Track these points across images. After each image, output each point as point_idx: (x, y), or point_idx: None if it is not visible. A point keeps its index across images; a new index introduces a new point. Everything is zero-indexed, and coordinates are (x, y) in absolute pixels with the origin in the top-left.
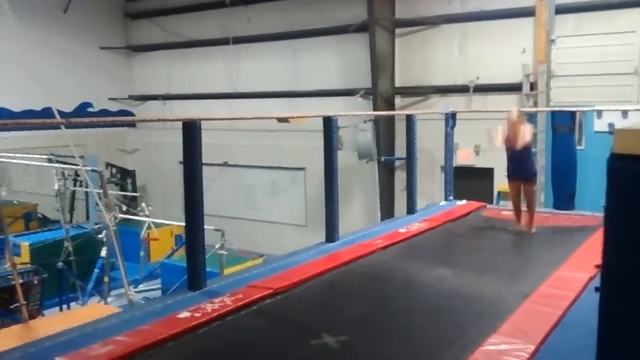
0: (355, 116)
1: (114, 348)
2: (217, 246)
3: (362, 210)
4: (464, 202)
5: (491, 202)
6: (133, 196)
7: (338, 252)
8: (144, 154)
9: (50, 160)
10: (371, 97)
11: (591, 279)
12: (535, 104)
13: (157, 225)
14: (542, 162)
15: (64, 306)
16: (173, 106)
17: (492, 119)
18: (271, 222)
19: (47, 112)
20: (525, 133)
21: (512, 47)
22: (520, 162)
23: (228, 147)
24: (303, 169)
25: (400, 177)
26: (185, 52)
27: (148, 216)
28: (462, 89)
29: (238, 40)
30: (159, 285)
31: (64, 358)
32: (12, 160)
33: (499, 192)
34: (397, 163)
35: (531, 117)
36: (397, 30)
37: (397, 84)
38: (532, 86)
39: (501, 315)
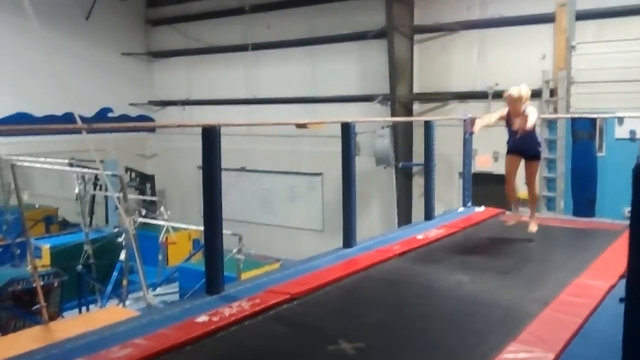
0: (373, 122)
1: (133, 351)
2: (234, 250)
3: (380, 216)
4: (482, 208)
5: (510, 209)
6: (152, 200)
7: (356, 257)
8: (163, 158)
9: (71, 165)
10: (389, 102)
11: (612, 287)
12: (555, 111)
13: (175, 229)
14: (561, 169)
15: (83, 308)
16: (192, 112)
17: None
18: (288, 227)
19: (68, 117)
20: (530, 117)
21: (531, 53)
22: (522, 139)
23: (246, 152)
24: (320, 174)
25: (417, 183)
26: (205, 58)
27: (167, 220)
28: (481, 95)
29: (257, 47)
30: (177, 289)
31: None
32: (34, 165)
33: (519, 199)
34: (414, 169)
35: (550, 124)
36: (416, 37)
37: (416, 89)
38: (552, 92)
39: (520, 323)
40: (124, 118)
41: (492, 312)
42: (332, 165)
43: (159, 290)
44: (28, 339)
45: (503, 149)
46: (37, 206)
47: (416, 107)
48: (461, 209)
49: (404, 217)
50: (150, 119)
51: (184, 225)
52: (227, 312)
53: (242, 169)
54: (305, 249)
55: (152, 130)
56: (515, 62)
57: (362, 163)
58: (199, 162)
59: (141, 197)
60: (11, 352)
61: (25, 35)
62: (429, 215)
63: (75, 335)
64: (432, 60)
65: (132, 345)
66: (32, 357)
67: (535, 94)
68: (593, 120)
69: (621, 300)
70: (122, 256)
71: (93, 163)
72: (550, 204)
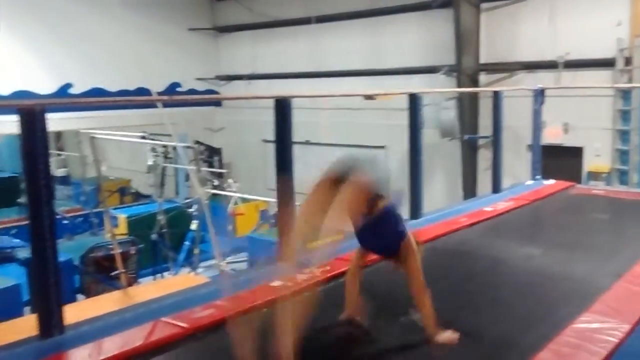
0: (439, 93)
1: (215, 312)
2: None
3: (444, 189)
4: (551, 181)
5: (580, 182)
6: (220, 173)
7: (423, 228)
8: (229, 132)
9: (144, 138)
10: (455, 74)
11: None
12: (630, 80)
13: (243, 200)
14: (635, 141)
15: (157, 275)
16: (257, 85)
17: (582, 96)
18: None
19: (141, 92)
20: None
21: (605, 20)
22: (371, 229)
23: (310, 125)
24: (384, 147)
25: (483, 156)
26: (270, 32)
27: (235, 192)
28: (550, 65)
29: (321, 19)
30: (245, 258)
31: (170, 319)
32: (111, 138)
33: (589, 172)
34: (480, 142)
35: (625, 94)
36: (483, 5)
37: (482, 60)
38: (627, 61)
39: (593, 295)
40: (191, 92)
41: (564, 284)
42: (396, 138)
43: (228, 259)
44: (110, 301)
45: (575, 119)
46: (112, 178)
47: (482, 78)
48: (530, 182)
49: (469, 191)
50: (216, 94)
51: (251, 197)
52: (299, 278)
53: (307, 142)
54: None
55: (218, 104)
56: (588, 30)
57: (427, 136)
58: (264, 135)
59: (209, 169)
60: (95, 313)
61: (99, 12)
62: (496, 188)
63: (160, 296)
64: (500, 30)
65: (214, 306)
66: (123, 314)
67: (609, 63)
68: None
69: None
70: (194, 226)
71: (163, 137)
72: (624, 177)
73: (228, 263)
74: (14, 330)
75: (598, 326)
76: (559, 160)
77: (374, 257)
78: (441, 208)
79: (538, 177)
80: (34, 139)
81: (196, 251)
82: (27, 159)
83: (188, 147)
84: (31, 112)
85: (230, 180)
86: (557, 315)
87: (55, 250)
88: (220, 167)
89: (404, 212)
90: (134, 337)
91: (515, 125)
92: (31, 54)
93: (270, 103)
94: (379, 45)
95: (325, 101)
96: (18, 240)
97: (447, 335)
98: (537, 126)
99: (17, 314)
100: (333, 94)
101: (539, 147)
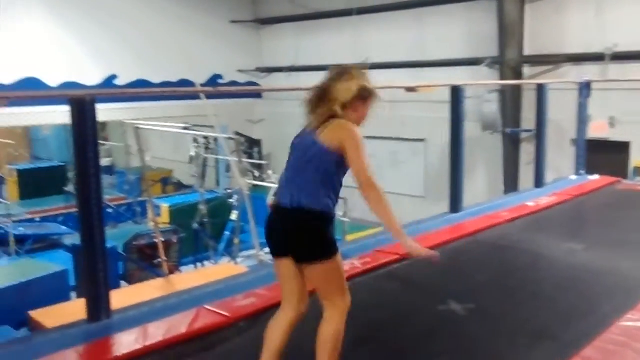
0: (481, 86)
1: (256, 300)
2: (340, 214)
3: (484, 183)
4: (596, 176)
5: (626, 178)
6: (259, 164)
7: (463, 222)
8: (269, 124)
9: (186, 129)
10: (497, 66)
11: None
12: None
13: None
14: None
15: (198, 264)
16: (298, 78)
17: (630, 89)
18: (390, 192)
19: (183, 83)
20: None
21: None
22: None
23: None
24: (424, 140)
25: (526, 150)
26: (312, 24)
27: (274, 183)
28: (597, 57)
29: (363, 11)
30: None
31: (212, 306)
32: (154, 128)
33: (635, 168)
34: (523, 135)
35: None
36: None
37: (526, 52)
38: None
39: (637, 292)
40: (233, 85)
41: (607, 280)
42: (436, 131)
43: (267, 249)
44: (152, 288)
45: (621, 113)
46: (154, 168)
47: (526, 70)
48: (574, 176)
49: (511, 185)
50: (257, 85)
51: None
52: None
53: None
54: (406, 214)
55: (259, 96)
56: (637, 21)
57: (468, 128)
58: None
59: (250, 160)
60: (139, 299)
61: (144, 4)
62: (539, 182)
63: (202, 284)
64: (545, 21)
65: (255, 294)
66: (168, 300)
67: None
68: None
69: None
70: (234, 216)
71: (204, 128)
72: None
73: (266, 253)
74: (63, 314)
75: None
76: (604, 155)
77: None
78: (482, 202)
79: (582, 172)
80: (85, 128)
81: (236, 241)
82: (78, 148)
83: (230, 138)
84: (82, 103)
85: (270, 172)
86: (600, 312)
87: (103, 237)
88: (260, 158)
89: (446, 206)
90: (179, 324)
91: (559, 119)
92: (78, 46)
93: None
94: (421, 37)
95: None
96: (65, 228)
97: (426, 251)
98: (582, 120)
99: (65, 298)
100: (375, 86)
101: (583, 142)
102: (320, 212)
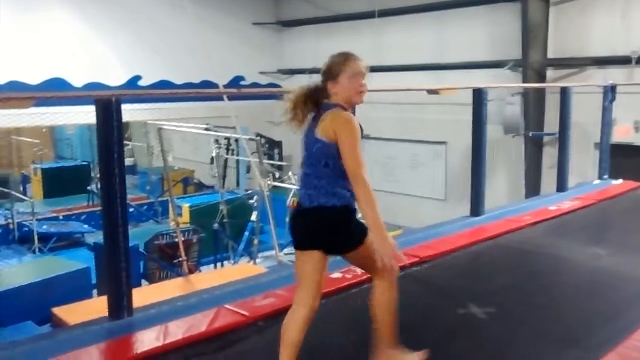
0: (504, 88)
1: (275, 300)
2: (359, 216)
3: (506, 186)
4: (620, 181)
5: None
6: (280, 165)
7: (484, 225)
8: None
9: (207, 130)
10: (520, 69)
11: None
12: None
13: None
14: None
15: (218, 264)
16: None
17: None
18: (410, 195)
19: (205, 84)
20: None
21: None
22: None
23: (370, 120)
24: (444, 142)
25: (548, 154)
26: (333, 26)
27: (294, 184)
28: (623, 60)
29: (384, 13)
30: None
31: (232, 306)
32: (176, 129)
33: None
34: (545, 139)
35: None
36: None
37: (550, 55)
38: None
39: None
40: (254, 86)
41: (632, 286)
42: (457, 133)
43: (286, 250)
44: (173, 287)
45: None
46: (176, 168)
47: (550, 73)
48: (597, 181)
49: (533, 189)
50: (278, 87)
51: None
52: (359, 270)
53: (367, 137)
54: (426, 217)
55: (280, 97)
56: None
57: (490, 131)
58: None
59: (270, 162)
60: (159, 298)
61: (165, 5)
62: (561, 186)
63: (222, 284)
64: (569, 23)
65: (274, 295)
66: (188, 299)
67: None
68: None
69: None
70: (254, 217)
71: (224, 129)
72: None
73: (286, 254)
74: (85, 311)
75: None
76: (629, 160)
77: None
78: (503, 205)
79: (606, 176)
80: (110, 128)
81: (255, 241)
82: (103, 148)
83: (251, 139)
84: (108, 103)
85: (290, 173)
86: (626, 318)
87: (126, 235)
88: (280, 159)
89: (467, 209)
90: (199, 322)
91: (582, 122)
92: (102, 47)
93: None
94: (443, 39)
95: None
96: (87, 226)
97: (396, 255)
98: (607, 124)
99: (87, 295)
100: (396, 89)
101: (607, 146)
102: (341, 207)
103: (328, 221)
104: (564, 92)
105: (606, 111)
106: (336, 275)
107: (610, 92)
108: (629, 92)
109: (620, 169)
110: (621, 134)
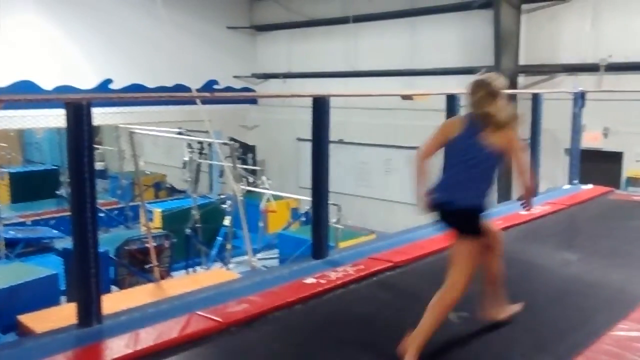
0: None
1: (248, 307)
2: (333, 220)
3: None
4: (590, 186)
5: (619, 188)
6: (253, 170)
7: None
8: (263, 130)
9: (180, 134)
10: None
11: None
12: None
13: (275, 198)
14: None
15: (190, 270)
16: (292, 84)
17: (624, 100)
18: (383, 200)
19: (178, 88)
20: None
21: None
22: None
23: (343, 125)
24: (417, 148)
25: None
26: (307, 31)
27: (267, 189)
28: (592, 68)
29: (358, 19)
30: (277, 255)
31: (204, 312)
32: (148, 133)
33: (628, 178)
34: None
35: None
36: (524, 6)
37: (521, 62)
38: None
39: (631, 303)
40: (228, 90)
41: (602, 291)
42: None
43: (259, 255)
44: (144, 293)
45: (615, 124)
46: (148, 172)
47: (521, 80)
48: (567, 186)
49: (504, 194)
50: (252, 91)
51: (284, 194)
52: (333, 276)
53: (340, 142)
54: (399, 222)
55: (254, 102)
56: (631, 32)
57: None
58: (298, 134)
59: (244, 166)
60: (129, 305)
61: (137, 9)
62: None
63: (194, 290)
64: (540, 31)
65: (248, 301)
66: (159, 306)
67: None
68: None
69: None
70: (227, 222)
71: (197, 133)
72: None
73: (259, 259)
74: (53, 318)
75: (637, 335)
76: (598, 165)
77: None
78: None
79: (575, 181)
80: (81, 132)
81: (228, 247)
82: (73, 152)
83: (225, 143)
84: (78, 107)
85: (263, 178)
86: (594, 324)
87: (96, 241)
88: (254, 164)
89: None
90: (171, 329)
91: (553, 128)
92: (73, 50)
93: (306, 102)
94: (416, 45)
95: (360, 101)
96: (56, 231)
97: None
98: (577, 130)
99: (55, 302)
100: (370, 94)
101: (577, 151)
102: (482, 207)
103: (468, 217)
104: (535, 99)
105: (576, 117)
106: (310, 280)
107: (580, 98)
108: (598, 99)
109: (590, 174)
110: (590, 140)
